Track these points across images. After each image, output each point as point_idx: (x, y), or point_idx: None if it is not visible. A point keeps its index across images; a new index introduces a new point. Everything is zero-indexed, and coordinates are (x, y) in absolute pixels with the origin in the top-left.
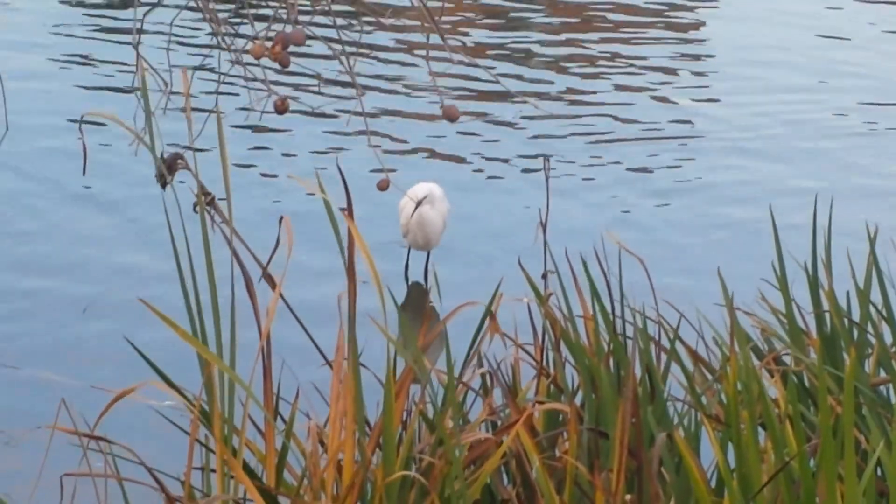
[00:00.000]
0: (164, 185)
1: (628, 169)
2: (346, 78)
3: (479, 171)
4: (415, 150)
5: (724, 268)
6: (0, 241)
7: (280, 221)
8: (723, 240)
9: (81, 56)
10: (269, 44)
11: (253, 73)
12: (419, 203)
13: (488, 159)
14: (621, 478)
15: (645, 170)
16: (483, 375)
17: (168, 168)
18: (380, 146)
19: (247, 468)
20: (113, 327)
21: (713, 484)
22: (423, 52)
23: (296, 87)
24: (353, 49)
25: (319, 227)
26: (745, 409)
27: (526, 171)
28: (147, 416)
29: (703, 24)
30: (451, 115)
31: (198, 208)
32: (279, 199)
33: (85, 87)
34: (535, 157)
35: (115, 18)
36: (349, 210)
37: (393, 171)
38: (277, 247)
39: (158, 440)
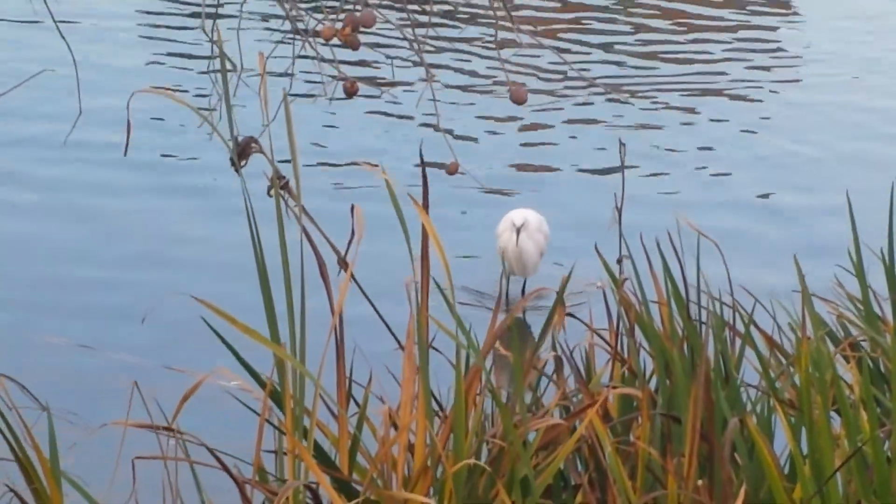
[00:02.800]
0: (237, 170)
1: (700, 148)
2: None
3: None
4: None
5: (802, 254)
6: (71, 223)
7: (351, 210)
8: (800, 225)
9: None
10: (339, 25)
11: (322, 54)
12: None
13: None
14: (693, 463)
15: (719, 151)
16: (557, 361)
17: (241, 152)
18: (452, 131)
19: (319, 451)
20: (188, 309)
21: (786, 470)
22: (490, 40)
23: (360, 63)
24: (424, 32)
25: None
26: (818, 393)
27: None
28: (218, 399)
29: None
30: (518, 98)
31: (272, 192)
32: (343, 182)
33: (159, 63)
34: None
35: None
36: (425, 198)
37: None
38: (353, 238)
39: (230, 422)
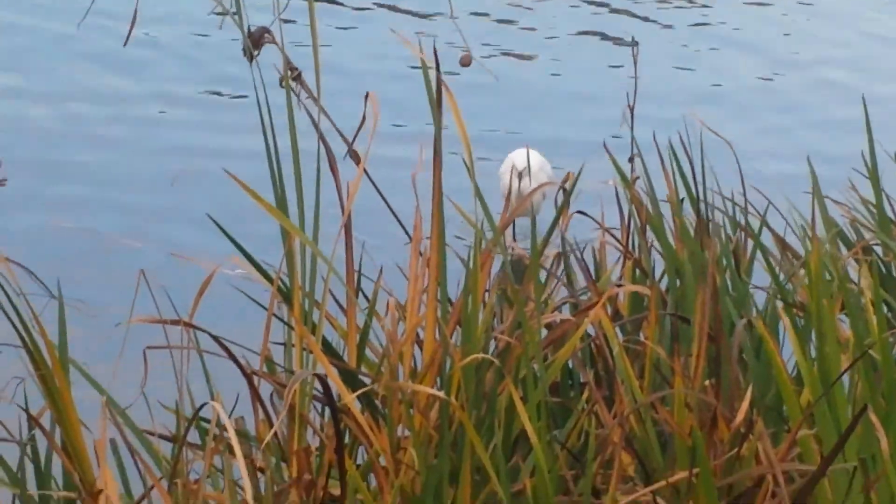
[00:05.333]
0: (250, 60)
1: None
2: None
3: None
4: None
5: (816, 155)
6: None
7: (366, 98)
8: (817, 124)
9: None
10: None
11: None
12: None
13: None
14: (701, 363)
15: (743, 44)
16: (566, 259)
17: (254, 43)
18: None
19: (327, 345)
20: (196, 199)
21: (792, 375)
22: None
23: None
24: None
25: (408, 99)
26: (827, 294)
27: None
28: (226, 293)
29: None
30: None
31: (283, 83)
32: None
33: None
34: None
35: None
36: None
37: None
38: (363, 122)
39: (238, 316)
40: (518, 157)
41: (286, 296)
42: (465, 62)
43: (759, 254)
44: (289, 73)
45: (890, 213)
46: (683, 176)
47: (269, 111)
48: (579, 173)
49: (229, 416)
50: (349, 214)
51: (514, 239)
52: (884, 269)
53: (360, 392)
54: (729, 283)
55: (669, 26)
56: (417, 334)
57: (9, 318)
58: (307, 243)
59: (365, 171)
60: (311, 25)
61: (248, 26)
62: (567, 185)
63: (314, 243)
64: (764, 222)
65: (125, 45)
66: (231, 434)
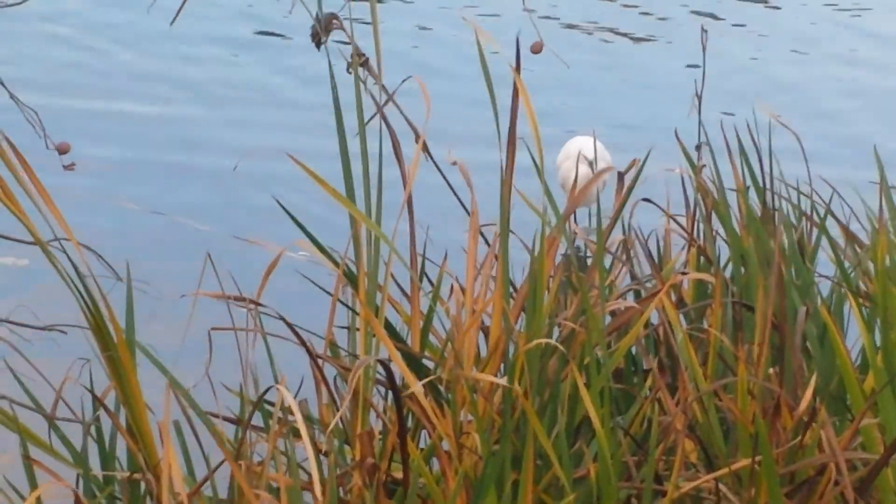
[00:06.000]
0: (318, 46)
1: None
2: None
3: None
4: None
5: (883, 143)
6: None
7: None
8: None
9: None
10: None
11: None
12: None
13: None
14: (765, 351)
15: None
16: (629, 246)
17: (323, 28)
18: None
19: (391, 329)
20: (261, 185)
21: (857, 363)
22: None
23: None
24: None
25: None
26: (893, 284)
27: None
28: (290, 277)
29: None
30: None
31: (351, 69)
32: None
33: None
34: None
35: None
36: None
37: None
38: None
39: (302, 300)
40: (574, 144)
41: (352, 280)
42: (536, 49)
43: (824, 242)
44: (357, 58)
45: None
46: (749, 165)
47: (337, 101)
48: (645, 160)
49: (294, 399)
50: (410, 195)
51: (576, 224)
52: None
53: (425, 381)
54: (794, 271)
55: (742, 24)
56: (482, 319)
57: (78, 299)
58: (373, 229)
59: (428, 153)
60: (371, 15)
61: (317, 12)
62: (632, 172)
63: (377, 226)
64: (829, 211)
65: (172, 23)
66: (297, 417)
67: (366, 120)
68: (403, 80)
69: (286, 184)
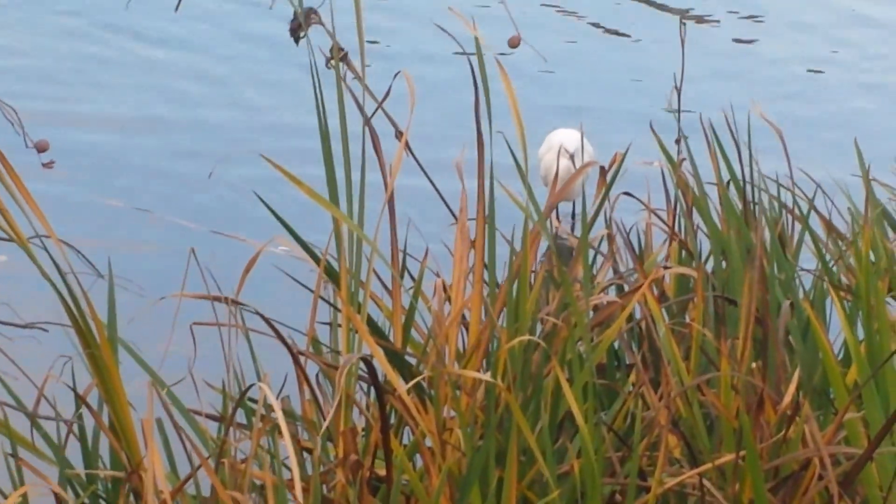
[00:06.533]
0: (297, 40)
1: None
2: None
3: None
4: None
5: (865, 139)
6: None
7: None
8: (866, 109)
9: None
10: None
11: None
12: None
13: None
14: (747, 345)
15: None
16: (611, 241)
17: (301, 24)
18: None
19: (373, 326)
20: (244, 181)
21: (839, 357)
22: None
23: None
24: None
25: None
26: (875, 278)
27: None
28: (270, 274)
29: None
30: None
31: (331, 64)
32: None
33: None
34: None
35: None
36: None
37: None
38: (414, 105)
39: (283, 297)
40: (557, 137)
41: (333, 276)
42: (514, 43)
43: (805, 236)
44: (336, 53)
45: None
46: (726, 158)
47: (320, 94)
48: (625, 155)
49: (276, 397)
50: (392, 192)
51: (558, 220)
52: None
53: (412, 383)
54: (776, 266)
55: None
56: (463, 315)
57: (59, 296)
58: (354, 229)
59: (409, 149)
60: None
61: (295, 7)
62: (611, 167)
63: (358, 227)
64: (811, 205)
65: (176, 9)
66: (279, 414)
67: (363, 120)
68: (396, 74)
69: (268, 184)
